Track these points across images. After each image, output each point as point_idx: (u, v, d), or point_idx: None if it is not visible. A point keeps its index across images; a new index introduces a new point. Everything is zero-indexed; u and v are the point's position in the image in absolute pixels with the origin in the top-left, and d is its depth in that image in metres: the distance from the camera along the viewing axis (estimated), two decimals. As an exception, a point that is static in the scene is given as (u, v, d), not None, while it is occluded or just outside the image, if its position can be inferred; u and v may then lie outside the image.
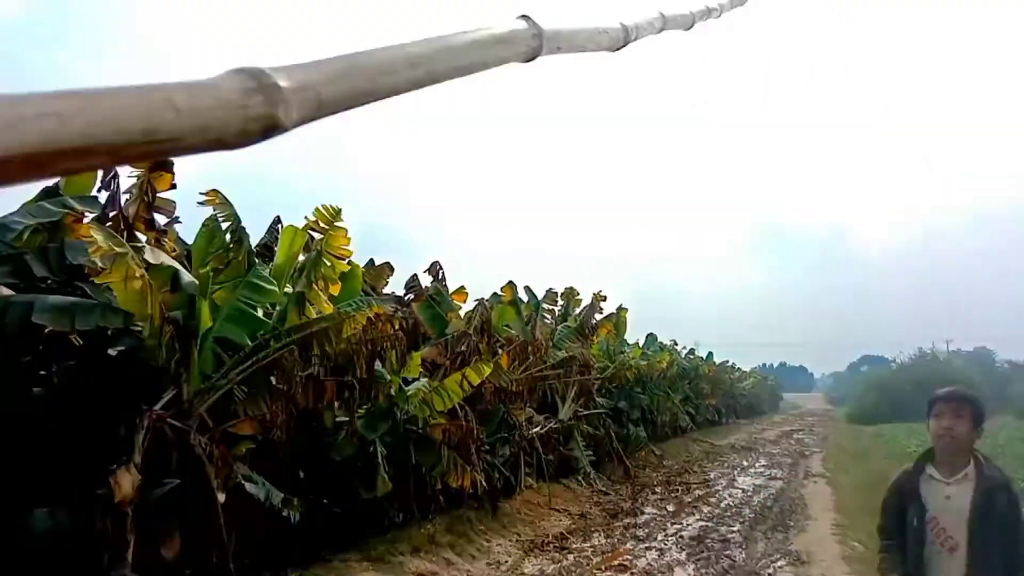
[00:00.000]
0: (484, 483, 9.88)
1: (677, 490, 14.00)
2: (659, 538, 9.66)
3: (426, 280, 11.76)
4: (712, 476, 16.34)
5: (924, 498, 3.26)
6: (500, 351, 11.69)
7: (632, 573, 7.84)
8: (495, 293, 14.07)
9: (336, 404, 7.56)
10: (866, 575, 7.69)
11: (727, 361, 39.15)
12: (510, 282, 14.32)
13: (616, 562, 8.32)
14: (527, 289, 15.97)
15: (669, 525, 10.51)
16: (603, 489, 13.40)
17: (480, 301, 11.74)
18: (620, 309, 21.34)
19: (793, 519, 10.96)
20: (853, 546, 9.03)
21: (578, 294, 18.06)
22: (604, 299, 17.33)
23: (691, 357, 28.93)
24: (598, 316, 17.98)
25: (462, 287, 12.38)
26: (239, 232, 6.97)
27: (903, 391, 45.57)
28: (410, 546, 8.23)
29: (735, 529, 10.22)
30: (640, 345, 21.71)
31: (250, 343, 6.79)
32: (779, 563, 8.29)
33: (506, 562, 8.45)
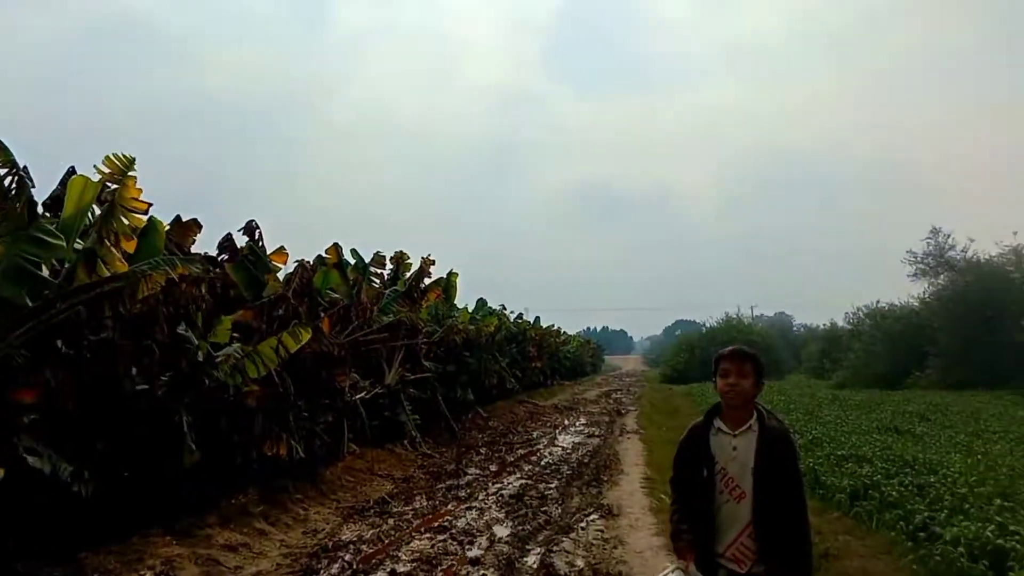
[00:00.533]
0: (302, 451, 9.58)
1: (501, 450, 14.25)
2: (480, 498, 9.77)
3: (242, 240, 11.12)
4: (535, 436, 16.78)
5: (713, 450, 3.41)
6: (323, 315, 11.33)
7: (451, 533, 7.86)
8: (319, 255, 13.60)
9: (134, 370, 6.99)
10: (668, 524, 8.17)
11: (553, 325, 40.35)
12: (335, 244, 13.89)
13: (436, 523, 8.32)
14: (354, 252, 15.57)
15: (491, 485, 10.66)
16: (428, 452, 13.41)
17: (300, 262, 11.26)
18: (450, 274, 21.29)
19: (607, 474, 11.45)
20: (660, 498, 9.53)
21: (408, 258, 17.84)
22: (433, 263, 17.21)
23: (519, 321, 29.50)
24: (427, 280, 17.87)
25: (281, 247, 11.81)
26: (19, 180, 6.23)
27: (711, 352, 48.88)
28: (219, 518, 7.84)
29: (552, 486, 10.53)
30: (469, 310, 21.85)
31: (30, 303, 6.11)
32: (592, 516, 8.61)
33: (323, 529, 8.24)
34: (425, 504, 9.47)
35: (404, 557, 7.02)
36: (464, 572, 6.50)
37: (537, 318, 34.01)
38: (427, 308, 17.67)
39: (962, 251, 32.27)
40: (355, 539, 7.73)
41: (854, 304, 44.56)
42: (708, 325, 57.51)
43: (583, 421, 20.59)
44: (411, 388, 14.42)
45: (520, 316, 30.89)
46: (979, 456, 9.68)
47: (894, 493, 7.64)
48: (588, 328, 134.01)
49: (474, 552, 7.17)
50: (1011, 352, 26.54)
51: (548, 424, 19.68)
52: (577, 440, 16.11)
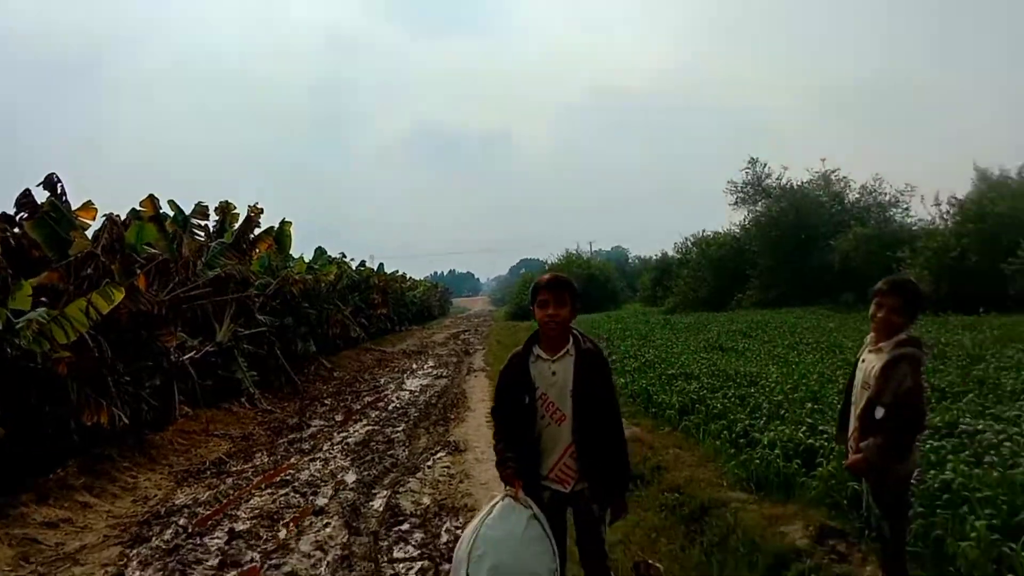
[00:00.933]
0: (127, 418, 8.96)
1: (347, 399, 14.01)
2: (324, 448, 9.56)
3: (44, 196, 10.06)
4: (382, 382, 16.63)
5: (534, 377, 3.42)
6: (139, 272, 10.54)
7: (294, 487, 7.63)
8: (134, 208, 12.61)
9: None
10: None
11: (398, 271, 39.94)
12: (151, 196, 12.90)
13: (277, 478, 8.06)
14: (172, 204, 14.58)
15: (336, 435, 10.46)
16: (269, 408, 12.96)
17: (109, 216, 10.38)
18: (283, 223, 20.39)
19: (454, 412, 11.53)
20: (491, 406, 9.72)
21: (234, 208, 16.90)
22: (261, 211, 16.40)
23: (362, 269, 28.93)
24: (257, 231, 17.05)
25: (89, 202, 10.81)
26: None
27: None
28: (36, 495, 7.22)
29: (400, 429, 10.47)
30: (306, 260, 21.14)
31: None
32: (439, 454, 8.64)
33: (155, 496, 7.77)
34: (266, 460, 9.15)
35: (243, 515, 6.74)
36: (308, 523, 6.33)
37: (381, 265, 33.54)
38: (258, 260, 16.91)
39: (777, 179, 34.61)
40: (190, 502, 7.35)
41: (681, 234, 46.97)
42: (550, 262, 58.84)
43: (431, 364, 20.62)
44: (246, 344, 13.81)
45: (363, 264, 30.31)
46: (793, 366, 10.47)
47: (718, 405, 8.12)
48: (435, 273, 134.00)
49: (319, 502, 7.00)
50: (821, 270, 28.92)
51: (396, 369, 19.56)
52: (425, 383, 16.11)
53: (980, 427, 5.79)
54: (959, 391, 7.72)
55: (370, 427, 10.85)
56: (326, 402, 13.83)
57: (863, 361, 3.66)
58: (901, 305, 3.52)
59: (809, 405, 7.40)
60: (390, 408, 12.58)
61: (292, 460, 9.05)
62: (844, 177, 33.10)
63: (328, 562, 5.34)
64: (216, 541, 6.01)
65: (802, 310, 25.70)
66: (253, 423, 11.75)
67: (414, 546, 5.57)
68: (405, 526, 6.06)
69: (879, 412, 3.42)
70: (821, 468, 5.51)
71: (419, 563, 5.19)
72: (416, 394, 14.23)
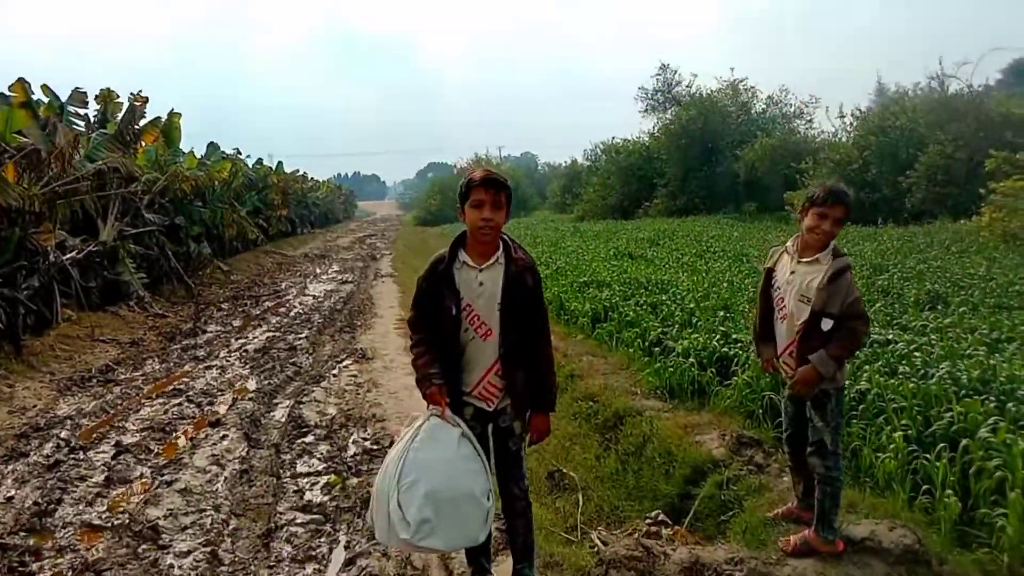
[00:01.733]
0: (1, 322, 8.22)
1: (245, 304, 13.40)
2: (221, 355, 9.07)
3: None
4: (283, 287, 16.01)
5: (458, 285, 3.08)
6: (6, 163, 9.54)
7: (188, 396, 7.18)
8: (1, 93, 11.37)
9: None
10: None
11: (299, 171, 38.35)
12: (20, 80, 11.65)
13: (170, 387, 7.57)
14: (46, 89, 13.27)
15: (233, 341, 9.95)
16: (161, 312, 12.23)
17: (-34, 99, 9.25)
18: (172, 114, 19.08)
19: (361, 319, 11.15)
20: (408, 316, 9.44)
21: (117, 96, 15.65)
22: (146, 100, 15.24)
23: (259, 168, 27.55)
24: (143, 122, 15.83)
25: (-57, 87, 9.63)
26: None
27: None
28: None
29: (303, 336, 10.04)
30: (197, 155, 19.84)
31: None
32: (345, 362, 8.30)
33: (34, 406, 7.17)
34: (158, 368, 8.60)
35: (132, 427, 6.28)
36: (203, 435, 5.94)
37: (280, 164, 32.00)
38: (144, 153, 15.73)
39: (687, 87, 34.57)
40: (73, 413, 6.81)
41: (591, 141, 46.76)
42: (459, 166, 57.84)
43: (336, 268, 20.03)
44: (132, 244, 12.90)
45: (260, 162, 28.87)
46: (703, 274, 10.51)
47: (631, 313, 8.04)
48: (339, 174, 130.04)
49: (215, 413, 6.59)
50: (727, 179, 29.35)
51: (298, 274, 18.89)
52: (329, 288, 15.59)
53: (891, 337, 5.86)
54: (866, 300, 7.86)
55: (271, 333, 10.38)
56: (223, 307, 13.18)
57: (792, 273, 3.46)
58: (843, 216, 3.36)
59: (721, 314, 7.39)
60: (292, 314, 12.08)
61: (186, 368, 8.55)
62: (752, 87, 33.33)
63: (225, 477, 5.00)
64: (102, 456, 5.56)
65: (708, 219, 26.12)
66: (143, 328, 11.06)
67: (319, 459, 5.28)
68: (309, 438, 5.75)
69: (826, 324, 3.28)
70: (736, 377, 5.48)
71: (324, 477, 4.91)
72: (320, 300, 13.74)
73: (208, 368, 8.42)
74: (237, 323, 11.43)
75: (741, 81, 33.23)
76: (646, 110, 36.38)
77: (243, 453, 5.45)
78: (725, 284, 9.32)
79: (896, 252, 11.67)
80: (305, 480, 4.89)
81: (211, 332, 10.72)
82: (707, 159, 30.60)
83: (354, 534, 4.14)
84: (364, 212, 79.03)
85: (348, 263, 21.42)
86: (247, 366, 8.43)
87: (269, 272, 19.17)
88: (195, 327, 11.09)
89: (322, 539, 4.10)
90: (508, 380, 3.11)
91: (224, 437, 5.82)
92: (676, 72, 34.93)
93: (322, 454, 5.36)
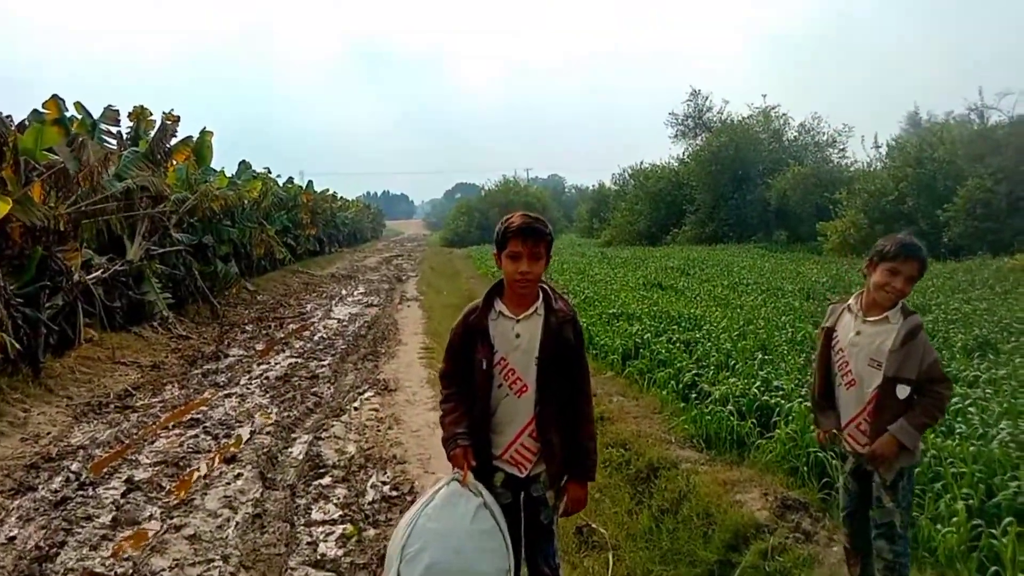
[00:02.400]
0: (18, 344, 8.10)
1: (269, 326, 13.25)
2: (242, 382, 8.88)
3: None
4: (308, 308, 15.88)
5: (493, 338, 2.83)
6: (36, 181, 9.49)
7: (205, 427, 6.98)
8: (35, 110, 11.38)
9: None
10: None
11: (328, 190, 38.51)
12: (55, 96, 11.67)
13: (188, 416, 7.38)
14: (79, 106, 13.30)
15: (255, 367, 9.77)
16: (184, 334, 12.11)
17: (-3, 117, 9.22)
18: (204, 132, 19.15)
19: (384, 346, 10.93)
20: (440, 368, 9.19)
21: (150, 114, 15.65)
22: (178, 119, 15.21)
23: (289, 186, 27.63)
24: (174, 140, 15.84)
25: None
26: None
27: (490, 215, 49.72)
28: (-94, 435, 6.40)
29: (325, 363, 9.84)
30: (228, 174, 19.88)
31: None
32: (367, 394, 8.06)
33: (48, 434, 7.01)
34: (177, 394, 8.43)
35: (145, 460, 6.07)
36: (217, 472, 5.72)
37: (310, 183, 32.14)
38: (175, 172, 15.75)
39: (718, 113, 34.28)
40: (87, 442, 6.63)
41: (620, 165, 46.53)
42: (487, 188, 57.88)
43: (362, 290, 19.90)
44: (159, 264, 12.84)
45: (291, 181, 28.98)
46: (737, 309, 10.17)
47: (663, 351, 7.74)
48: (368, 193, 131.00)
49: (231, 446, 6.38)
50: (756, 207, 28.97)
51: (324, 295, 18.78)
52: (354, 311, 15.43)
53: (943, 390, 5.50)
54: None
55: (293, 359, 10.19)
56: (247, 329, 13.04)
57: (857, 334, 3.15)
58: (917, 273, 3.06)
59: (759, 356, 7.06)
60: (316, 338, 11.91)
61: (205, 395, 8.37)
62: (784, 114, 33.03)
63: (237, 522, 4.76)
64: (111, 492, 5.35)
65: (737, 247, 25.75)
66: (166, 350, 10.93)
67: (336, 504, 5.02)
68: (326, 480, 5.50)
69: (903, 391, 2.98)
70: (779, 430, 5.15)
71: (340, 527, 4.65)
72: (344, 323, 13.56)
73: (228, 396, 8.23)
74: (260, 347, 11.27)
75: (773, 108, 32.99)
76: (676, 136, 36.18)
77: (257, 495, 5.21)
78: (761, 321, 8.98)
79: (937, 291, 11.25)
80: (320, 529, 4.63)
81: (233, 356, 10.56)
82: (737, 186, 30.25)
83: (369, 595, 3.87)
84: (392, 231, 79.44)
85: (374, 284, 21.30)
86: (267, 395, 8.22)
87: (295, 293, 19.08)
88: (217, 350, 10.94)
89: (335, 599, 3.84)
90: (543, 442, 2.83)
91: (239, 476, 5.59)
92: (707, 98, 34.74)
93: (339, 499, 5.11)
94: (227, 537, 4.55)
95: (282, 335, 12.26)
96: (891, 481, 3.07)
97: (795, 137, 32.72)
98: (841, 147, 31.09)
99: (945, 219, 18.11)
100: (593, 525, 4.73)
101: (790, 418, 5.17)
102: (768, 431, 5.36)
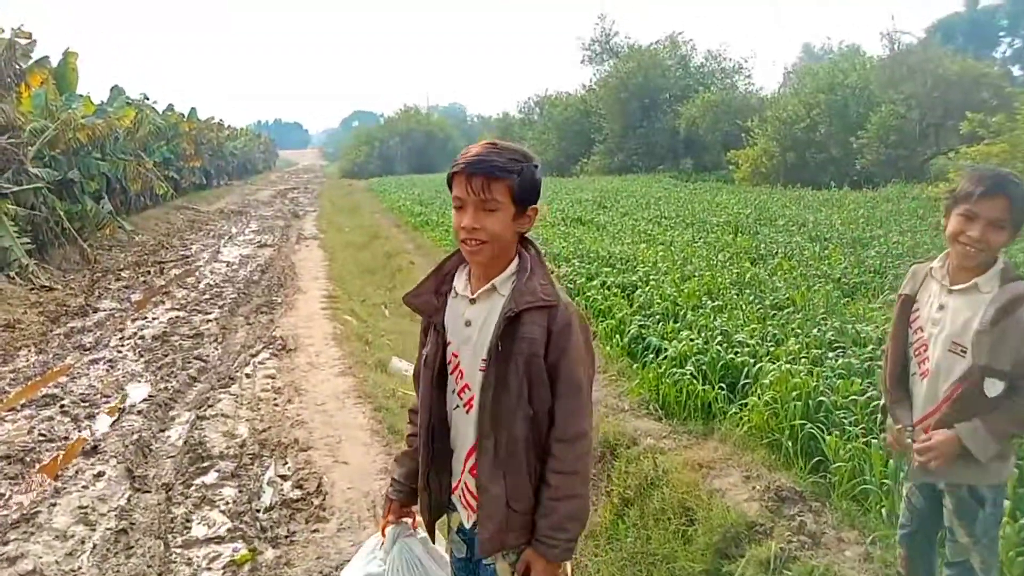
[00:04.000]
0: None
1: (148, 272, 11.80)
2: (112, 343, 7.62)
3: None
4: (194, 250, 14.38)
5: (447, 324, 1.89)
6: None
7: (63, 405, 5.78)
8: None
9: None
10: (356, 356, 6.83)
11: (214, 118, 35.78)
12: None
13: (42, 391, 6.14)
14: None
15: (130, 322, 8.48)
16: (47, 284, 10.55)
17: None
18: (67, 54, 17.05)
19: (281, 294, 9.76)
20: (345, 321, 8.16)
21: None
22: (29, 37, 13.20)
23: (169, 114, 25.29)
24: (28, 63, 13.82)
25: None
26: None
27: (390, 144, 47.77)
28: None
29: (211, 317, 8.63)
30: (95, 100, 17.77)
31: None
32: (260, 356, 6.97)
33: None
34: (33, 360, 7.12)
35: (-19, 455, 4.88)
36: (73, 470, 4.59)
37: (193, 110, 29.61)
38: (31, 99, 13.81)
39: (626, 37, 33.42)
40: (-94, 430, 5.35)
41: (525, 93, 45.26)
42: (386, 116, 55.54)
43: (254, 227, 18.39)
44: (13, 204, 11.12)
45: (170, 108, 26.55)
46: (668, 246, 9.46)
47: (599, 298, 6.93)
48: (259, 122, 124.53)
49: (93, 432, 5.24)
50: (665, 136, 28.50)
51: (212, 234, 17.21)
52: (246, 252, 14.05)
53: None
54: (859, 283, 6.96)
55: (174, 313, 8.93)
56: (122, 275, 11.56)
57: (941, 308, 2.31)
58: (1007, 214, 2.16)
59: (708, 302, 6.34)
60: (201, 286, 10.60)
61: (68, 360, 7.10)
62: (690, 40, 32.47)
63: (95, 544, 3.71)
64: (-72, 505, 4.19)
65: (647, 177, 25.27)
66: (24, 305, 9.40)
67: (223, 512, 4.01)
68: (211, 476, 4.47)
69: (994, 387, 2.16)
70: (752, 396, 4.43)
71: (228, 547, 3.66)
72: (234, 267, 12.24)
73: (94, 362, 6.98)
74: (136, 297, 9.92)
75: (679, 34, 32.34)
76: (583, 61, 35.12)
77: (123, 501, 4.15)
78: (698, 260, 8.29)
79: (867, 222, 10.86)
80: (202, 552, 3.62)
81: (104, 310, 9.20)
82: (646, 114, 29.66)
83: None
84: (287, 162, 75.91)
85: (268, 221, 19.76)
86: (142, 359, 7.02)
87: (179, 232, 17.41)
88: (86, 303, 9.53)
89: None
90: (479, 490, 1.89)
91: (100, 476, 4.48)
92: (614, 22, 33.74)
93: (227, 504, 4.09)
94: (78, 570, 3.50)
95: (162, 283, 10.87)
96: (965, 506, 2.31)
97: (701, 63, 32.28)
98: (747, 75, 30.87)
99: (858, 147, 17.94)
100: (542, 519, 3.92)
101: (766, 382, 4.44)
102: (735, 396, 4.65)
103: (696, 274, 7.42)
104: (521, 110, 43.86)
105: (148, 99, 22.73)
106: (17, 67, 13.06)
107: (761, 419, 4.21)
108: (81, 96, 16.82)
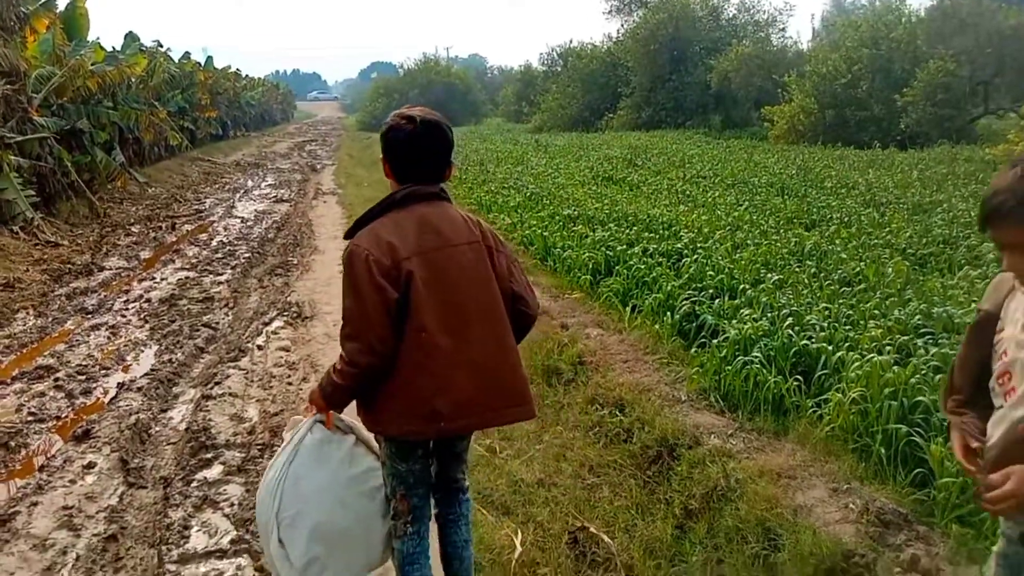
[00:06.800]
0: None
1: (160, 228, 11.30)
2: (116, 307, 7.13)
3: None
4: (208, 204, 13.87)
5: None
6: None
7: (58, 378, 5.30)
8: None
9: None
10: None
11: (231, 67, 34.99)
12: None
13: (37, 360, 5.66)
14: None
15: (136, 283, 7.99)
16: (53, 240, 10.07)
17: None
18: (76, -3, 16.33)
19: (297, 254, 9.22)
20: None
21: (0, -29, 12.81)
22: (34, -23, 12.53)
23: (184, 63, 24.56)
24: (32, 6, 13.17)
25: None
26: None
27: (409, 96, 46.77)
28: None
29: (223, 279, 8.11)
30: (106, 47, 17.09)
31: None
32: (274, 324, 6.44)
33: None
34: (31, 324, 6.64)
35: (-37, 437, 4.40)
36: (60, 459, 4.10)
37: (209, 59, 28.88)
38: (37, 44, 13.19)
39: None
40: None
41: (548, 44, 44.00)
42: (405, 67, 54.28)
43: (270, 181, 17.82)
44: (16, 155, 10.59)
45: (187, 56, 25.82)
46: (709, 208, 8.80)
47: (642, 267, 6.32)
48: (276, 72, 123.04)
49: (87, 412, 4.75)
50: (695, 90, 27.47)
51: (227, 187, 16.67)
52: (261, 207, 13.51)
53: None
54: (929, 256, 6.31)
55: (184, 273, 8.42)
56: (132, 231, 11.07)
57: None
58: None
59: (767, 275, 5.72)
60: (214, 243, 10.08)
61: (68, 325, 6.62)
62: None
63: (78, 555, 3.21)
64: None
65: (676, 133, 24.42)
66: (27, 262, 8.92)
67: (227, 516, 3.50)
68: (215, 469, 3.95)
69: None
70: (834, 393, 3.84)
71: (231, 564, 3.15)
72: (249, 223, 11.70)
73: (95, 328, 6.49)
74: (145, 255, 9.43)
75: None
76: (610, 11, 33.90)
77: (114, 500, 3.65)
78: (748, 227, 7.63)
79: (923, 185, 10.11)
80: (200, 570, 3.11)
81: (110, 269, 8.71)
82: (675, 68, 28.56)
83: None
84: (304, 113, 74.97)
85: (284, 175, 19.16)
86: (146, 325, 6.53)
87: (193, 185, 16.87)
88: (92, 261, 9.04)
89: None
90: None
91: (91, 467, 3.98)
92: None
93: (232, 506, 3.57)
94: (56, 589, 3.01)
95: (173, 239, 10.37)
96: None
97: (733, 15, 31.04)
98: (781, 27, 29.63)
99: (903, 104, 16.97)
100: (592, 529, 3.40)
101: (851, 375, 3.84)
102: (811, 390, 4.06)
103: (749, 242, 6.78)
104: (544, 62, 42.62)
105: (162, 47, 22.00)
106: (19, 9, 12.42)
107: (847, 419, 3.63)
108: (91, 42, 16.16)
